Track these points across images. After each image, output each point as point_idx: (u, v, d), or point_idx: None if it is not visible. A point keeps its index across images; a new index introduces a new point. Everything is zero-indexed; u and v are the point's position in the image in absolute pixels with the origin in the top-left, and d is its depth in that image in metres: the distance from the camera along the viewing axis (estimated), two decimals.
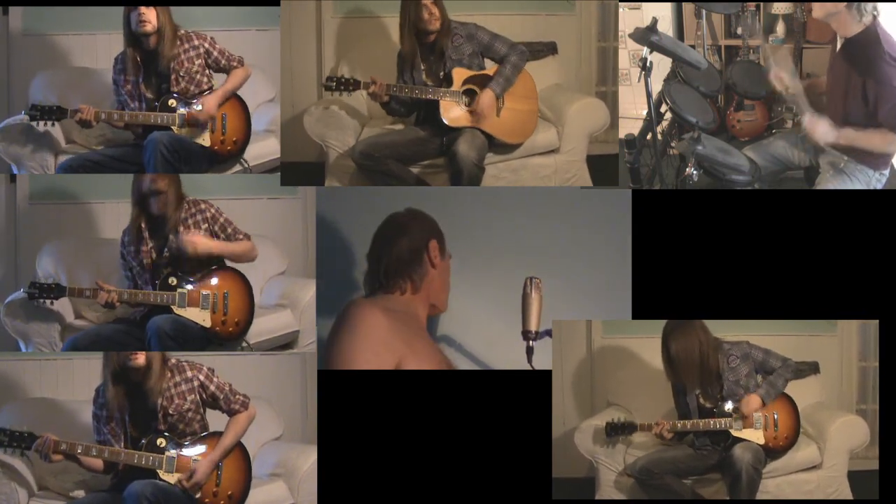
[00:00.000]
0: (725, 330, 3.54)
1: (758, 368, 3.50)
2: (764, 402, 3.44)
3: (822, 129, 3.28)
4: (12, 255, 3.60)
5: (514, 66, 3.57)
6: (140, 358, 3.06)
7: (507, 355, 3.12)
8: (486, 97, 3.52)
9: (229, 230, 3.35)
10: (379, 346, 2.73)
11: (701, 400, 3.49)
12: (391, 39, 3.70)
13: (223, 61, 3.44)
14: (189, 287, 3.26)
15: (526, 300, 2.97)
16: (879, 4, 3.17)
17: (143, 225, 3.28)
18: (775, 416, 3.47)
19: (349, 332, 2.76)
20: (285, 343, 3.54)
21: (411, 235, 2.94)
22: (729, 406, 3.44)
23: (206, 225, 3.32)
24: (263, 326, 3.47)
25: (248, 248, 3.38)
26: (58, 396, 3.46)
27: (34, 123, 3.33)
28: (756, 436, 3.45)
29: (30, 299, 3.24)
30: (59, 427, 3.09)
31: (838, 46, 3.28)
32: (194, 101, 3.39)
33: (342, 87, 3.45)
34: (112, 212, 3.62)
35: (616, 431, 3.47)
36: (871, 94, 3.17)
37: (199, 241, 3.28)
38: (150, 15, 3.28)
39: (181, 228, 3.28)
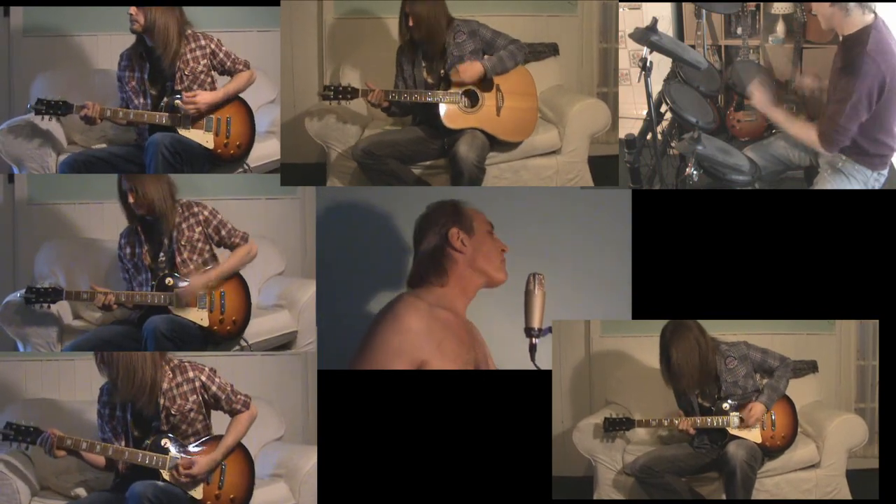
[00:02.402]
0: (725, 329, 3.55)
1: (756, 368, 3.51)
2: (767, 408, 3.46)
3: (757, 98, 3.43)
4: (10, 256, 3.59)
5: (510, 53, 3.54)
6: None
7: (507, 354, 3.12)
8: (473, 66, 3.49)
9: (223, 232, 3.34)
10: (404, 350, 2.77)
11: (700, 400, 3.50)
12: (392, 40, 3.69)
13: (228, 63, 3.41)
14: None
15: (529, 297, 2.91)
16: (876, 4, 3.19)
17: (138, 227, 3.28)
18: (772, 416, 3.49)
19: (384, 329, 2.80)
20: (283, 344, 3.54)
21: (434, 229, 2.93)
22: (727, 404, 3.46)
23: (200, 228, 3.30)
24: (261, 327, 3.46)
25: (246, 254, 3.37)
26: (59, 397, 3.45)
27: (39, 118, 3.29)
28: (753, 434, 3.46)
29: (27, 303, 3.23)
30: (61, 428, 3.07)
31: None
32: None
33: (340, 96, 3.43)
34: (110, 212, 3.58)
35: (614, 426, 3.48)
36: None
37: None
38: (137, 15, 3.27)
39: (175, 233, 3.27)
